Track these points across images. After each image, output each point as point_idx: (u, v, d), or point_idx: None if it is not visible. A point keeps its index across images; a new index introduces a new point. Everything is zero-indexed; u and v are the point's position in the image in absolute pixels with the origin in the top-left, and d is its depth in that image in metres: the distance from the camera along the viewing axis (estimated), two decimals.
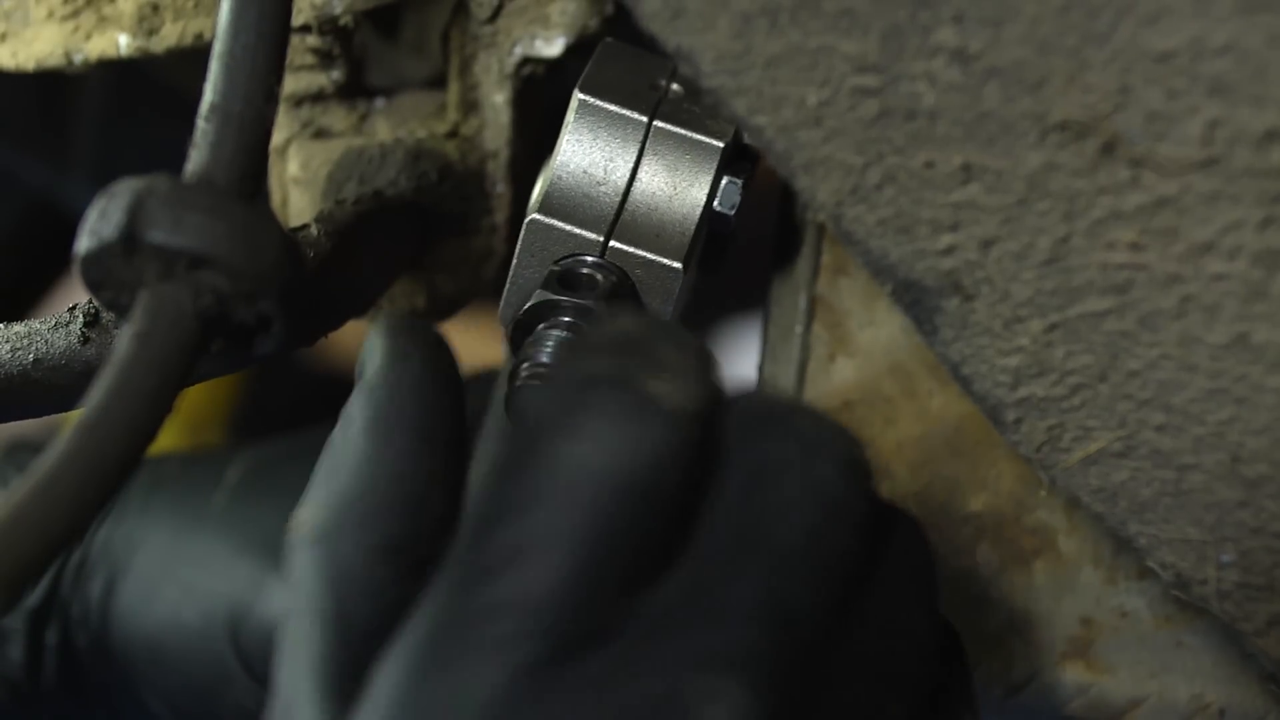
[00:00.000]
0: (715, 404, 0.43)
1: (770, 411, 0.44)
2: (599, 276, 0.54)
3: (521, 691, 0.39)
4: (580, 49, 0.60)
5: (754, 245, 0.61)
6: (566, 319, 0.52)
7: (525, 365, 0.52)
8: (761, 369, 0.62)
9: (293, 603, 0.44)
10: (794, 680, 0.40)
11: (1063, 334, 0.50)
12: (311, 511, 0.46)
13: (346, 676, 0.42)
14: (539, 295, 0.53)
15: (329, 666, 0.43)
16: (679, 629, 0.40)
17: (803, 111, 0.48)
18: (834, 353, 0.60)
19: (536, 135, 0.64)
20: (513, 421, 0.51)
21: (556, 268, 0.54)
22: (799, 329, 0.60)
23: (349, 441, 0.46)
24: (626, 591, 0.40)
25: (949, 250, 0.49)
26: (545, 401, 0.43)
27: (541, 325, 0.52)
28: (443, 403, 0.47)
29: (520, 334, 0.53)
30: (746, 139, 0.54)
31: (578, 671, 0.39)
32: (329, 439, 0.47)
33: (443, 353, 0.48)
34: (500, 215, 0.64)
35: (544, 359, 0.51)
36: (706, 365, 0.44)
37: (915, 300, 0.51)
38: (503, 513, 0.41)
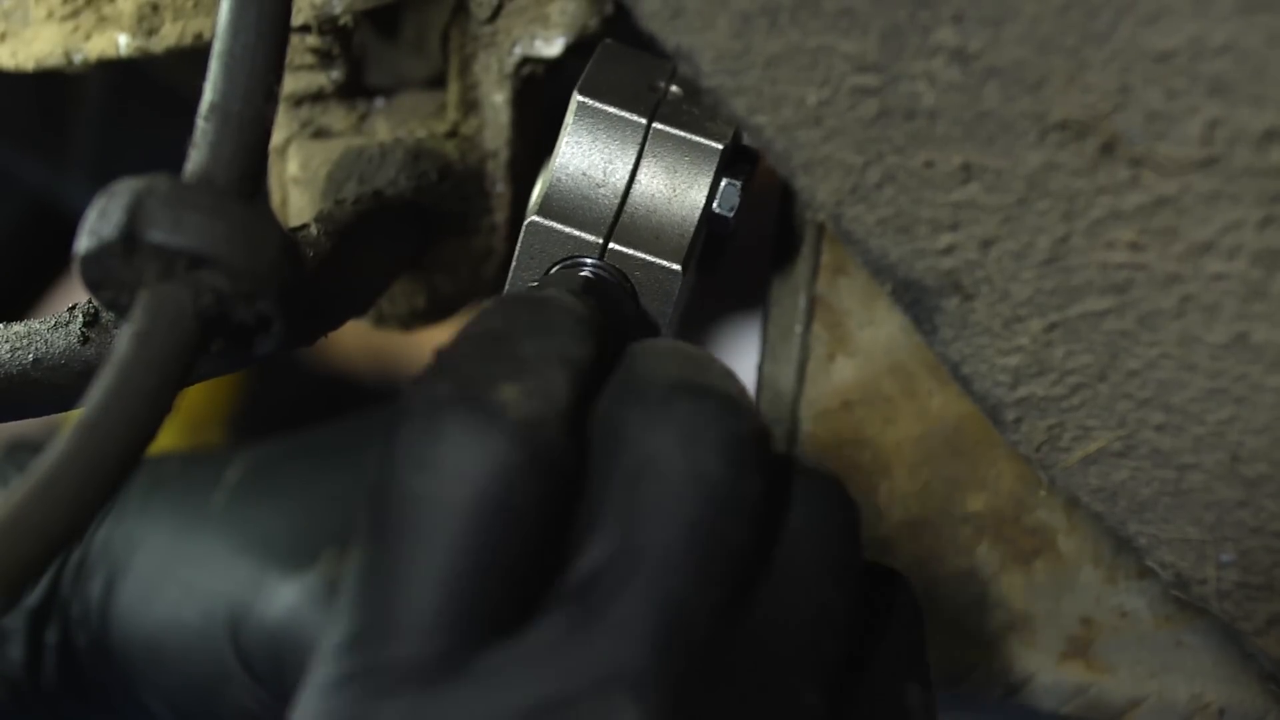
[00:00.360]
0: (578, 397, 0.42)
1: (647, 396, 0.42)
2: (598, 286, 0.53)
3: None
4: (580, 49, 0.60)
5: (754, 245, 0.61)
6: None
7: None
8: (761, 369, 0.62)
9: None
10: (690, 683, 0.39)
11: (1062, 333, 0.50)
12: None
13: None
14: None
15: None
16: (567, 652, 0.39)
17: (802, 111, 0.48)
18: (834, 352, 0.60)
19: (536, 135, 0.64)
20: None
21: (555, 269, 0.54)
22: (799, 329, 0.60)
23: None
24: (505, 618, 0.40)
25: (949, 250, 0.49)
26: (400, 429, 0.41)
27: None
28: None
29: None
30: (746, 139, 0.54)
31: (450, 704, 0.38)
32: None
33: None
34: (500, 215, 0.64)
35: None
36: (572, 348, 0.43)
37: (915, 300, 0.51)
38: (368, 560, 0.40)
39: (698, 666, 0.39)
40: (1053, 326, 0.50)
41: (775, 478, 0.44)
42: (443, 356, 0.43)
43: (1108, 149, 0.47)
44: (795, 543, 0.44)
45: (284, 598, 0.64)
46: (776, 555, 0.43)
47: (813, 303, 0.60)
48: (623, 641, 0.39)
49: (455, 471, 0.40)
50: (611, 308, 0.50)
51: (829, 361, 0.60)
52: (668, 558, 0.40)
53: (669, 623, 0.39)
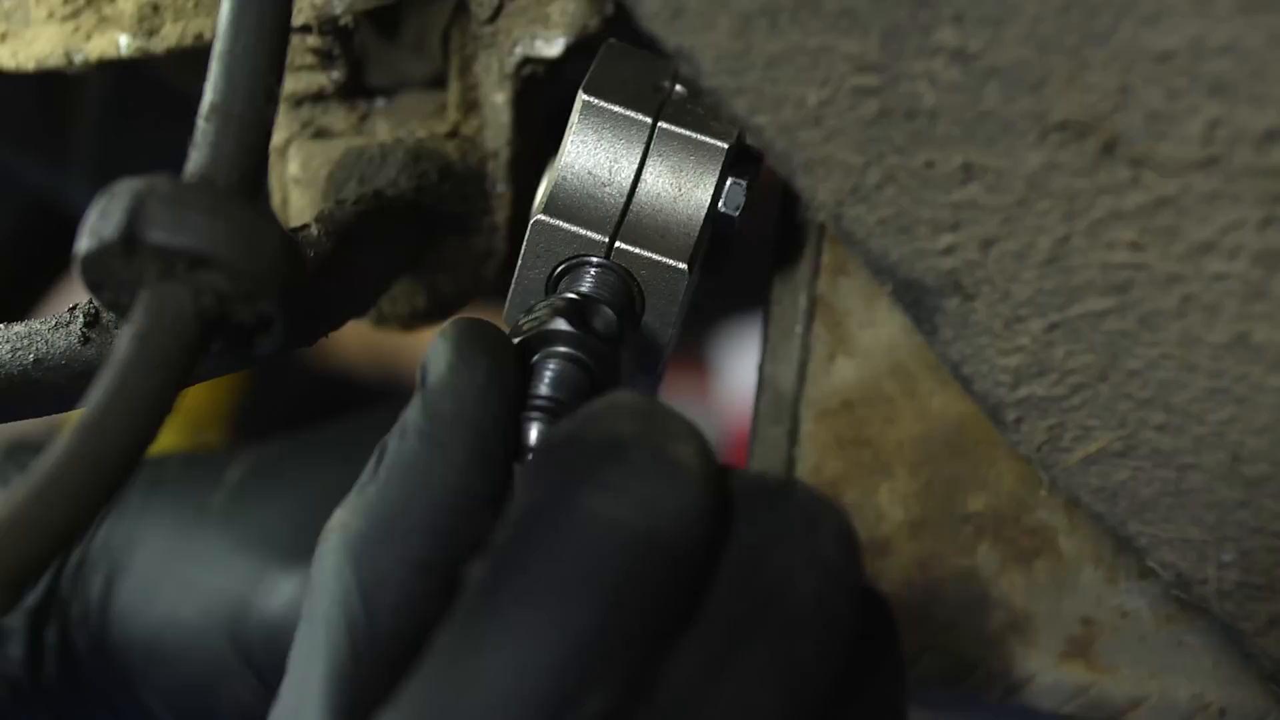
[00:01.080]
0: (724, 473, 0.44)
1: (768, 484, 0.45)
2: (600, 308, 0.53)
3: None
4: (581, 49, 0.60)
5: (755, 245, 0.61)
6: (563, 349, 0.51)
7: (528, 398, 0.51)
8: (762, 369, 0.62)
9: (315, 605, 0.44)
10: None
11: (1063, 333, 0.50)
12: (351, 515, 0.45)
13: (359, 694, 0.42)
14: (540, 318, 0.52)
15: (342, 682, 0.42)
16: (701, 693, 0.40)
17: (803, 111, 0.48)
18: (834, 352, 0.60)
19: (537, 135, 0.64)
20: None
21: (561, 268, 0.54)
22: (799, 329, 0.60)
23: (403, 448, 0.46)
24: (646, 647, 0.40)
25: (949, 250, 0.49)
26: (572, 452, 0.43)
27: (537, 356, 0.51)
28: (503, 418, 0.47)
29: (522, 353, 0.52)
30: (747, 139, 0.54)
31: None
32: (382, 442, 0.47)
33: (508, 363, 0.48)
34: (501, 215, 0.64)
35: (544, 390, 0.50)
36: (708, 437, 0.45)
37: (915, 300, 0.51)
38: (528, 557, 0.41)
39: None
40: (1053, 326, 0.50)
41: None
42: (602, 410, 0.44)
43: (1108, 149, 0.47)
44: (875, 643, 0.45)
45: (285, 592, 0.64)
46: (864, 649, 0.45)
47: (813, 303, 0.60)
48: (753, 688, 0.40)
49: (641, 501, 0.41)
50: (600, 319, 0.51)
51: (830, 361, 0.60)
52: (794, 620, 0.42)
53: (794, 680, 0.41)
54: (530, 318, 0.51)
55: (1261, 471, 0.50)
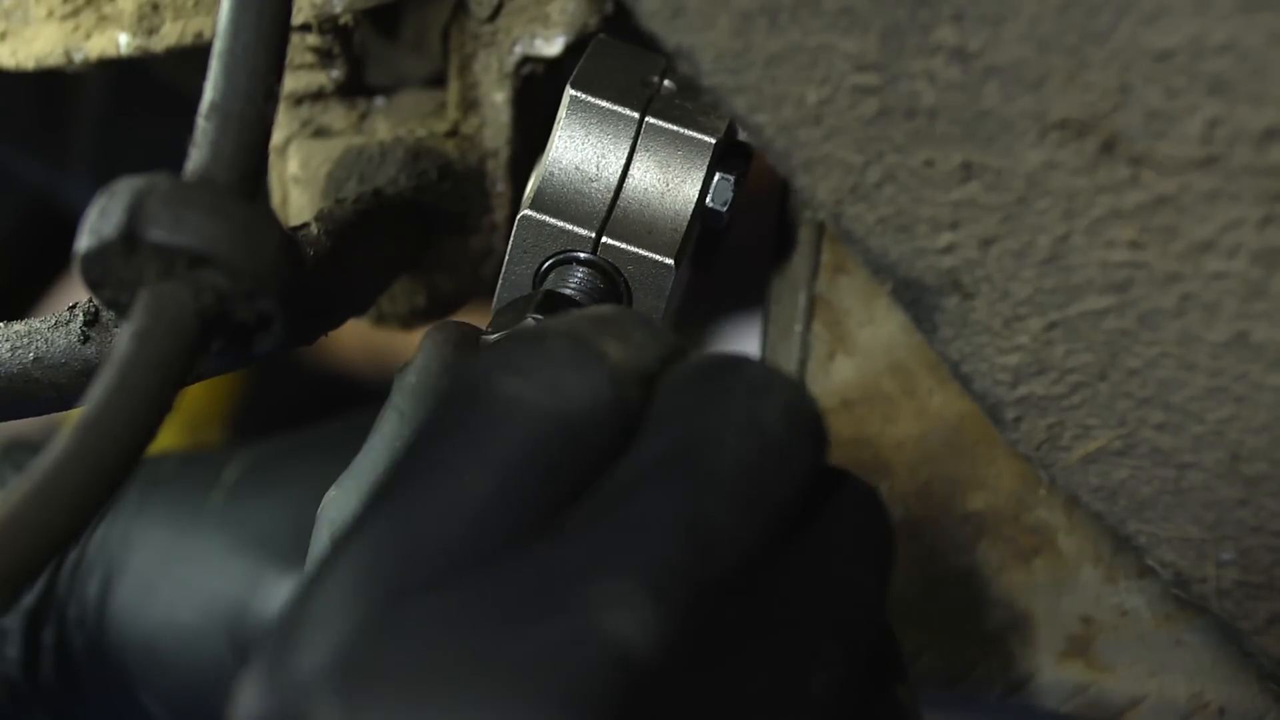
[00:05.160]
0: (663, 371, 0.44)
1: (718, 359, 0.44)
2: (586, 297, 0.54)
3: (417, 602, 0.39)
4: (580, 48, 0.60)
5: (753, 244, 0.61)
6: None
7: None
8: None
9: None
10: (706, 605, 0.39)
11: (1062, 332, 0.50)
12: (345, 498, 0.46)
13: None
14: (520, 312, 0.53)
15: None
16: (592, 537, 0.40)
17: (802, 110, 0.48)
18: (834, 351, 0.60)
19: (536, 134, 0.64)
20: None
21: (549, 263, 0.54)
22: (799, 327, 0.60)
23: (402, 437, 0.47)
24: (545, 515, 0.41)
25: (949, 248, 0.49)
26: (498, 345, 0.44)
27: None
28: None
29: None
30: (744, 137, 0.54)
31: (482, 577, 0.39)
32: (376, 424, 0.48)
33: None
34: (500, 214, 0.64)
35: None
36: (670, 346, 0.45)
37: (915, 299, 0.51)
38: (438, 434, 0.42)
39: (716, 590, 0.40)
40: (1053, 325, 0.50)
41: (824, 466, 0.45)
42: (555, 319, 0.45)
43: (1108, 148, 0.47)
44: (838, 526, 0.45)
45: (283, 593, 0.64)
46: (817, 530, 0.44)
47: (813, 301, 0.60)
48: (651, 535, 0.40)
49: (549, 384, 0.42)
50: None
51: (829, 360, 0.60)
52: (710, 479, 0.41)
53: (699, 535, 0.40)
54: (509, 313, 0.52)
55: (1260, 470, 0.50)
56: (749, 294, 0.67)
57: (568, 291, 0.54)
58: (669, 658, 0.38)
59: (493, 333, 0.52)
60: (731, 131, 0.56)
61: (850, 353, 0.60)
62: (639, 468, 0.41)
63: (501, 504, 0.41)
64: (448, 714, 0.37)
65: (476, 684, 0.37)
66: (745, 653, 0.41)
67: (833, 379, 0.60)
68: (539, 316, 0.51)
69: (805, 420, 0.43)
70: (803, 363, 0.60)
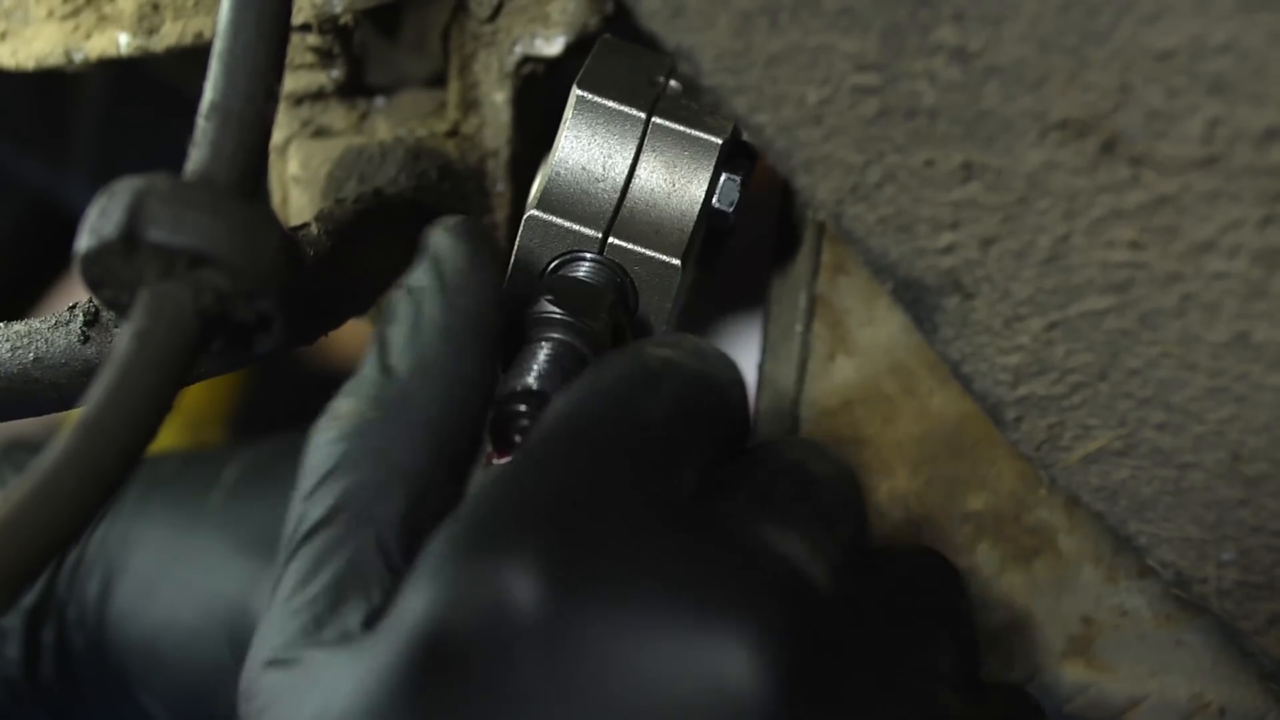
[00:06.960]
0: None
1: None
2: (597, 291, 0.53)
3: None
4: (580, 47, 0.60)
5: (754, 244, 0.61)
6: (556, 335, 0.52)
7: (512, 388, 0.51)
8: (761, 368, 0.62)
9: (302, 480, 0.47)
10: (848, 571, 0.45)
11: (1063, 332, 0.50)
12: (364, 404, 0.47)
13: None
14: (534, 306, 0.52)
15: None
16: (751, 491, 0.45)
17: (803, 110, 0.48)
18: (834, 351, 0.60)
19: (536, 134, 0.64)
20: (495, 447, 0.51)
21: (554, 263, 0.54)
22: (799, 327, 0.60)
23: (420, 339, 0.47)
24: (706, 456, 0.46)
25: (949, 249, 0.49)
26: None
27: (529, 343, 0.51)
28: (500, 322, 0.49)
29: (512, 339, 0.53)
30: (746, 137, 0.54)
31: (666, 506, 0.44)
32: (378, 329, 0.48)
33: (504, 274, 0.51)
34: (500, 214, 0.64)
35: (531, 382, 0.50)
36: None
37: (915, 299, 0.51)
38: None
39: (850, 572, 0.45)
40: (1053, 325, 0.50)
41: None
42: None
43: (1108, 148, 0.47)
44: (901, 575, 0.48)
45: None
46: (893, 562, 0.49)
47: (813, 301, 0.60)
48: (800, 501, 0.45)
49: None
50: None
51: (829, 360, 0.60)
52: (825, 514, 0.46)
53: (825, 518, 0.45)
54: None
55: (1261, 470, 0.50)
56: (749, 294, 0.67)
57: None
58: (834, 595, 0.43)
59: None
60: (737, 131, 0.56)
61: (851, 353, 0.60)
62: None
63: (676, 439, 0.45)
64: (656, 610, 0.41)
65: (677, 588, 0.41)
66: (874, 627, 0.45)
67: (833, 379, 0.60)
68: (550, 298, 0.52)
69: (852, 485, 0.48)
70: (803, 363, 0.60)
